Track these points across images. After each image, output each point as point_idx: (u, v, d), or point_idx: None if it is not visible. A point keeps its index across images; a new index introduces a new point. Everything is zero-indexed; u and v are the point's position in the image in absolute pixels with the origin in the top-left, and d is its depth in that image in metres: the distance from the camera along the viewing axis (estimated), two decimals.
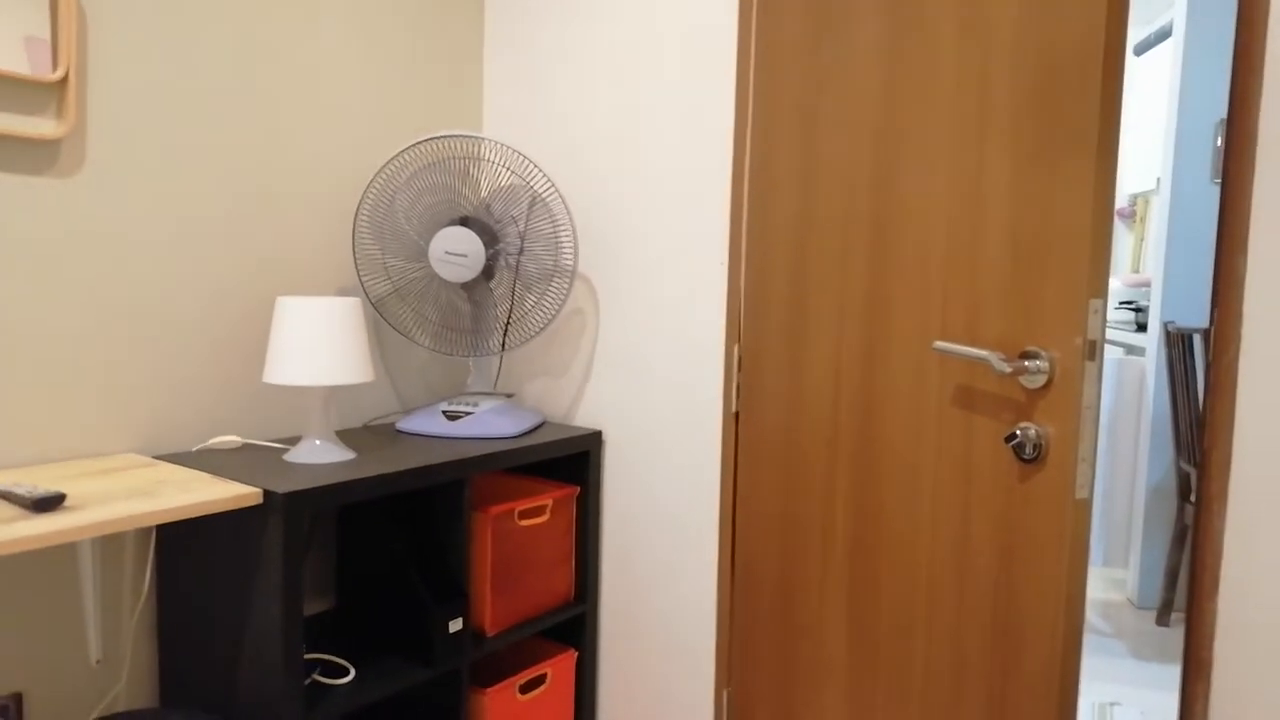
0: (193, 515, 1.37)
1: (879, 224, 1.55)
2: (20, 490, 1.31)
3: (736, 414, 1.83)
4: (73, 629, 1.62)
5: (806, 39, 1.67)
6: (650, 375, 1.97)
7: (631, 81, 1.97)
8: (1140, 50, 4.40)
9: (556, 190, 1.99)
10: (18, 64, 1.48)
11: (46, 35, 1.52)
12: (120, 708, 1.69)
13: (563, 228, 1.99)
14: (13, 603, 1.55)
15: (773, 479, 1.75)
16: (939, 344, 1.38)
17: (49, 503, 1.29)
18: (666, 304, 1.93)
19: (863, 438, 1.59)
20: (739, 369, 1.82)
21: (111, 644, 1.67)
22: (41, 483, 1.44)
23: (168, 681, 1.70)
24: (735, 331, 1.82)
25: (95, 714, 1.65)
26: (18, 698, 1.56)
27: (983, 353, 1.32)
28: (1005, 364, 1.31)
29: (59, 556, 1.60)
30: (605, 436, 2.07)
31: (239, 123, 1.80)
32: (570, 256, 1.99)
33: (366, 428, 2.03)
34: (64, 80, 1.54)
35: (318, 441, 1.68)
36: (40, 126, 1.53)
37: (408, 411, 2.17)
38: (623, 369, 2.03)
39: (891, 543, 1.56)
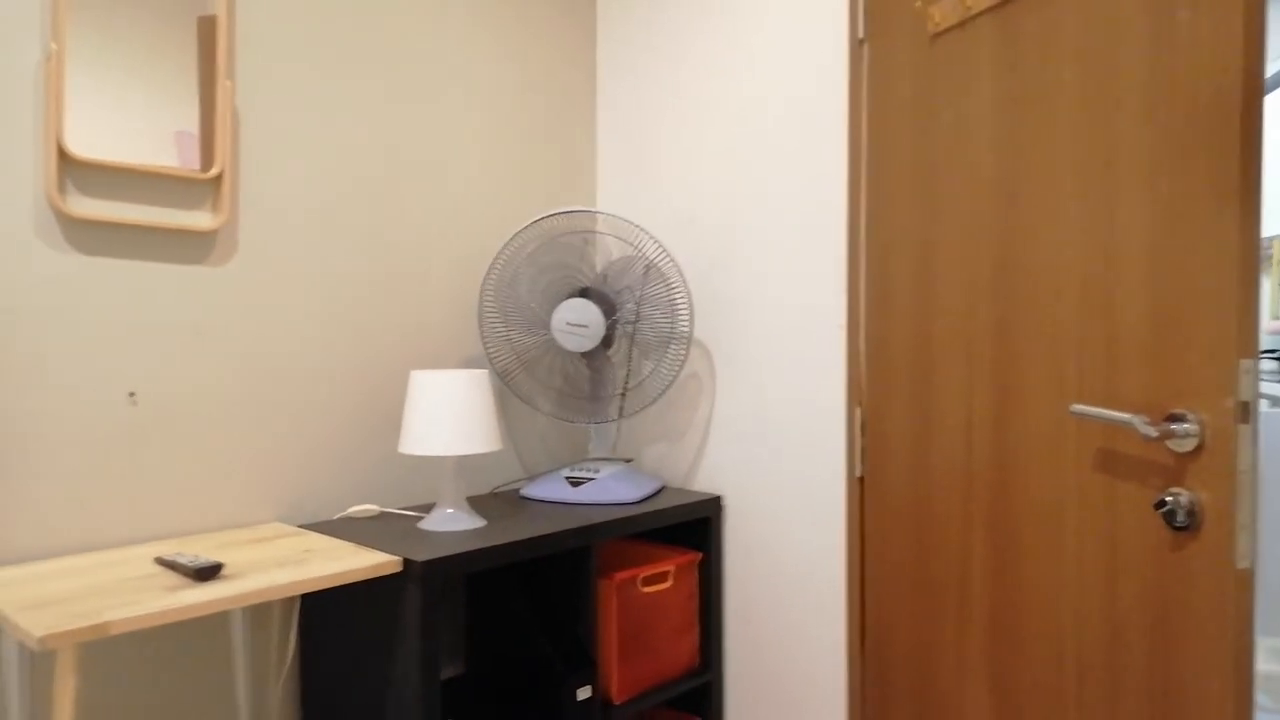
0: (338, 584, 1.43)
1: (1005, 284, 1.53)
2: (183, 560, 1.40)
3: (861, 478, 1.80)
4: (224, 694, 1.70)
5: (920, 101, 1.67)
6: (769, 439, 1.96)
7: (741, 150, 2.01)
8: (1269, 88, 4.21)
9: (671, 258, 2.03)
10: (168, 158, 1.60)
11: (195, 129, 1.64)
12: None
13: (678, 295, 2.02)
14: (168, 668, 1.64)
15: (902, 545, 1.71)
16: (1077, 407, 1.33)
17: (209, 572, 1.37)
18: (784, 367, 1.93)
19: (998, 502, 1.54)
20: (862, 432, 1.80)
21: (258, 707, 1.75)
22: (200, 552, 1.53)
23: None
24: (857, 394, 1.80)
25: None
26: None
27: (1125, 416, 1.27)
28: (1150, 428, 1.25)
29: (211, 623, 1.69)
30: (725, 501, 2.06)
31: (374, 209, 1.91)
32: (686, 323, 2.02)
33: (493, 494, 2.09)
34: (219, 177, 1.67)
35: (450, 510, 1.73)
36: (198, 220, 1.66)
37: (531, 477, 2.22)
38: (741, 433, 2.03)
39: (1034, 612, 1.49)
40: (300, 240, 1.80)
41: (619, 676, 1.84)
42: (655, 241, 2.02)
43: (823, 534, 1.86)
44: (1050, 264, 1.45)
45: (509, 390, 2.15)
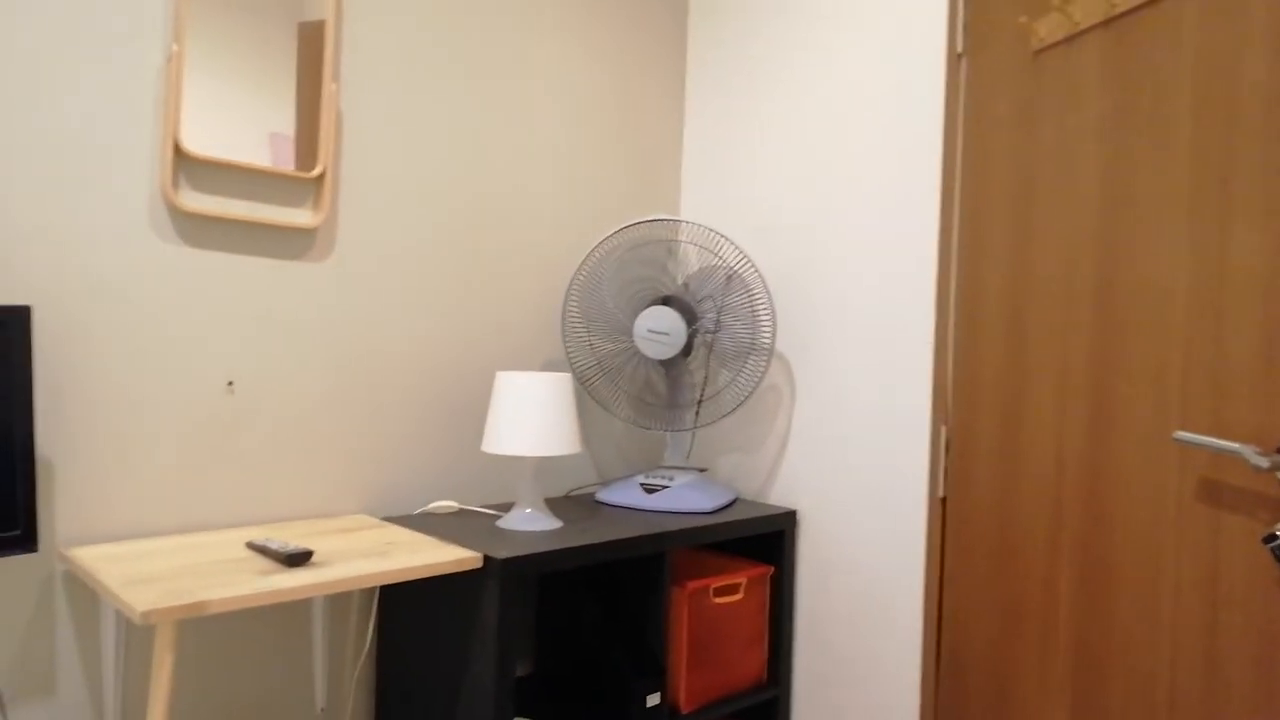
0: (421, 576, 1.45)
1: (1105, 305, 1.49)
2: (274, 545, 1.44)
3: (943, 499, 1.77)
4: (302, 677, 1.74)
5: (1020, 116, 1.64)
6: (848, 456, 1.94)
7: (828, 162, 2.00)
8: None
9: (755, 268, 2.02)
10: (261, 158, 1.65)
11: (290, 132, 1.69)
12: None
13: (760, 305, 2.02)
14: (251, 649, 1.68)
15: (984, 569, 1.67)
16: (1181, 434, 1.29)
17: (300, 558, 1.40)
18: (867, 383, 1.91)
19: (1089, 530, 1.50)
20: (946, 452, 1.76)
21: (334, 694, 1.78)
22: (288, 539, 1.57)
23: None
24: (942, 413, 1.77)
25: None
26: None
27: (1234, 445, 1.22)
28: (1261, 458, 1.20)
29: (293, 608, 1.73)
30: (800, 516, 2.05)
31: (464, 212, 1.95)
32: (768, 334, 2.01)
33: (568, 497, 2.10)
34: (321, 176, 1.72)
35: (528, 510, 1.75)
36: (299, 217, 1.72)
37: (605, 482, 2.23)
38: (819, 448, 2.01)
39: (1124, 647, 1.44)
40: (393, 240, 1.84)
41: (687, 685, 1.83)
42: (739, 251, 2.02)
43: (901, 554, 1.83)
44: (1156, 285, 1.41)
45: (587, 394, 2.16)
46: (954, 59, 1.79)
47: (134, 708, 1.55)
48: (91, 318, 1.49)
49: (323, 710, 1.77)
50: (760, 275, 2.03)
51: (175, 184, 1.56)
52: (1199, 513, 1.34)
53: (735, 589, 1.93)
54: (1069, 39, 1.56)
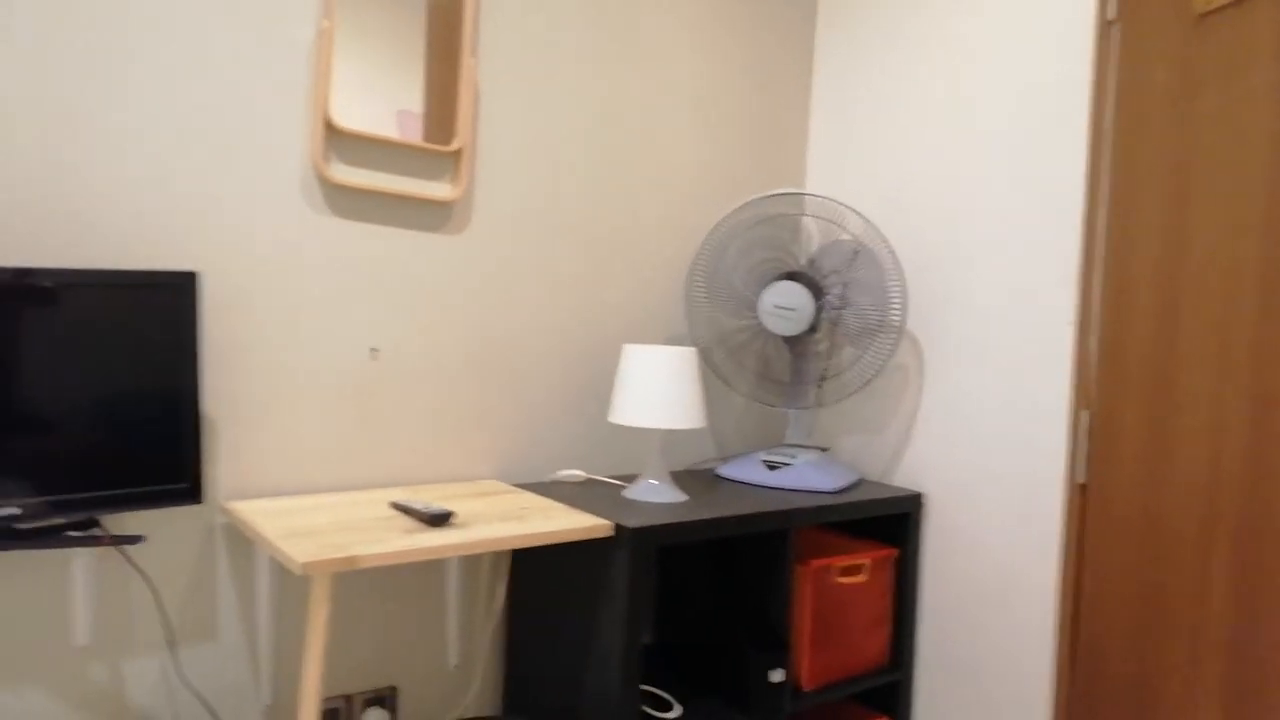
0: (556, 541, 1.49)
1: (1273, 288, 1.40)
2: (416, 506, 1.50)
3: (1083, 485, 1.70)
4: (436, 634, 1.81)
5: (1178, 86, 1.55)
6: (981, 439, 1.89)
7: (965, 135, 1.93)
8: None
9: (886, 243, 1.98)
10: (388, 133, 1.69)
11: (417, 109, 1.73)
12: (473, 711, 1.86)
13: (891, 282, 1.98)
14: (390, 606, 1.76)
15: (1127, 559, 1.61)
16: None
17: (441, 519, 1.46)
18: (1001, 364, 1.85)
19: (1249, 519, 1.42)
20: (1088, 437, 1.70)
21: (467, 651, 1.85)
22: (429, 501, 1.63)
23: (512, 690, 1.85)
24: (1084, 396, 1.71)
25: (454, 714, 1.83)
26: (393, 690, 1.77)
27: None
28: None
29: (429, 567, 1.80)
30: (926, 499, 2.01)
31: (595, 186, 1.97)
32: (898, 312, 1.97)
33: (688, 471, 2.12)
34: (459, 151, 1.77)
35: (654, 481, 1.77)
36: (438, 190, 1.77)
37: (724, 458, 2.23)
38: (948, 430, 1.96)
39: None
40: (526, 214, 1.88)
41: (809, 663, 1.83)
42: (868, 225, 1.98)
43: (1034, 539, 1.78)
44: None
45: (710, 370, 2.17)
46: (1104, 25, 1.70)
47: (285, 653, 1.65)
48: (249, 284, 1.57)
49: (455, 667, 1.83)
50: (891, 251, 1.98)
51: (325, 157, 1.63)
52: None
53: (859, 569, 1.91)
54: (1239, 1, 1.46)
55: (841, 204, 2.00)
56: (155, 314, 1.39)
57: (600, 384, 2.00)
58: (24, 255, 1.38)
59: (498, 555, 1.87)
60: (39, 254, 1.39)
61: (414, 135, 1.72)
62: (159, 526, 1.51)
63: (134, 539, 1.43)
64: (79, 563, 1.44)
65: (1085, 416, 1.70)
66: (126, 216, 1.45)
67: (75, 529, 1.40)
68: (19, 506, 1.31)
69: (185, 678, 1.55)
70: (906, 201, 2.07)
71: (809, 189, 2.33)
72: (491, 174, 1.83)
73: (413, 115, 1.72)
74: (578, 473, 1.92)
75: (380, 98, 1.68)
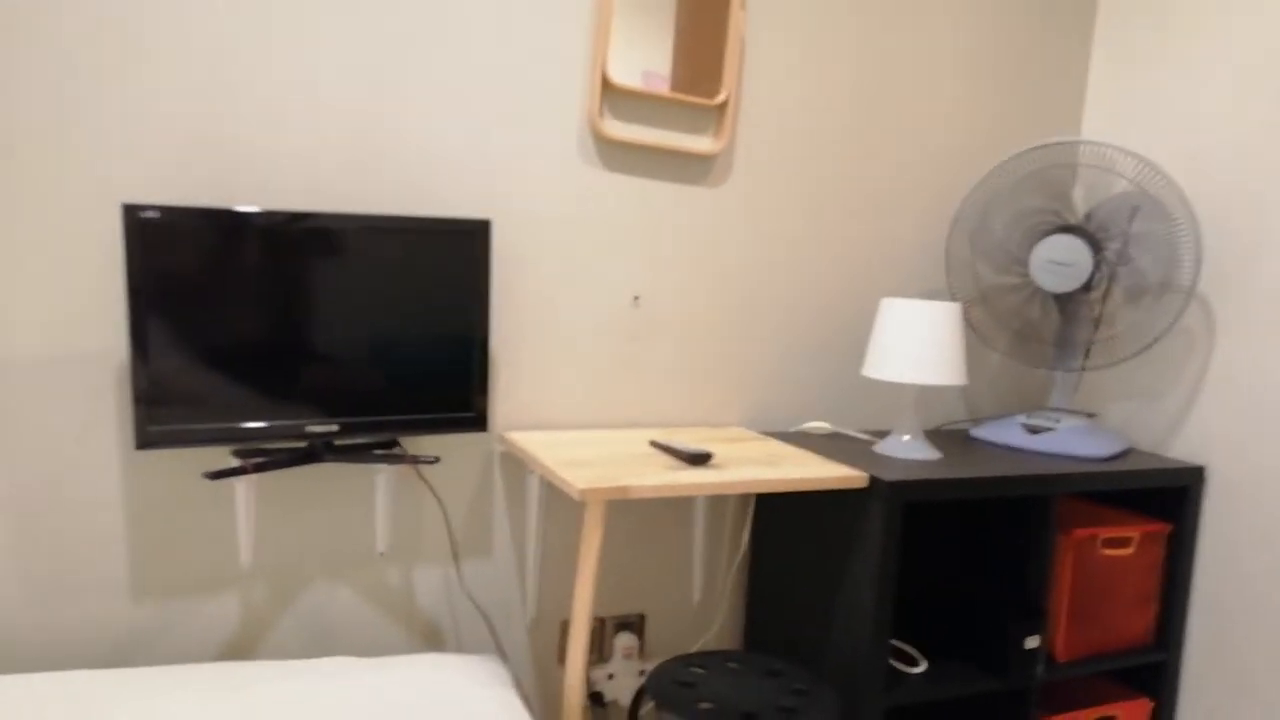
0: (811, 488, 1.52)
1: None
2: (676, 445, 1.57)
3: None
4: (683, 571, 1.90)
5: None
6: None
7: (1270, 79, 1.72)
8: None
9: (1180, 195, 1.81)
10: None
11: (664, 71, 1.74)
12: (713, 645, 1.94)
13: (1183, 237, 1.81)
14: (643, 540, 1.86)
15: None
16: None
17: (701, 458, 1.52)
18: None
19: None
20: None
21: (709, 589, 1.93)
22: (686, 442, 1.70)
23: (751, 629, 1.91)
24: None
25: (697, 646, 1.93)
26: (641, 617, 1.88)
27: None
28: None
29: (678, 506, 1.89)
30: (1209, 473, 1.85)
31: (854, 138, 1.94)
32: (1189, 270, 1.81)
33: (939, 431, 2.07)
34: (724, 104, 1.79)
35: (907, 437, 1.75)
36: (701, 144, 1.81)
37: (976, 420, 2.16)
38: (1241, 402, 1.79)
39: None
40: (786, 166, 1.88)
41: (1066, 634, 1.75)
42: (1159, 173, 1.81)
43: None
44: None
45: (967, 326, 2.09)
46: None
47: (548, 574, 1.79)
48: (529, 234, 1.69)
49: (699, 603, 1.92)
50: (1186, 203, 1.81)
51: (600, 113, 1.71)
52: None
53: (1126, 543, 1.79)
54: None
55: (1126, 150, 1.84)
56: (454, 258, 1.54)
57: (850, 337, 1.99)
58: (348, 203, 1.56)
59: (742, 501, 1.93)
60: (359, 202, 1.57)
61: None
62: (448, 451, 1.69)
63: (431, 459, 1.60)
64: (381, 479, 1.63)
65: None
66: (432, 170, 1.61)
67: (380, 448, 1.60)
68: (337, 424, 1.50)
69: (466, 588, 1.73)
70: (1203, 147, 1.88)
71: (1085, 137, 2.16)
72: (753, 127, 1.85)
73: (659, 76, 1.75)
74: (824, 425, 1.93)
75: (632, 57, 1.72)
